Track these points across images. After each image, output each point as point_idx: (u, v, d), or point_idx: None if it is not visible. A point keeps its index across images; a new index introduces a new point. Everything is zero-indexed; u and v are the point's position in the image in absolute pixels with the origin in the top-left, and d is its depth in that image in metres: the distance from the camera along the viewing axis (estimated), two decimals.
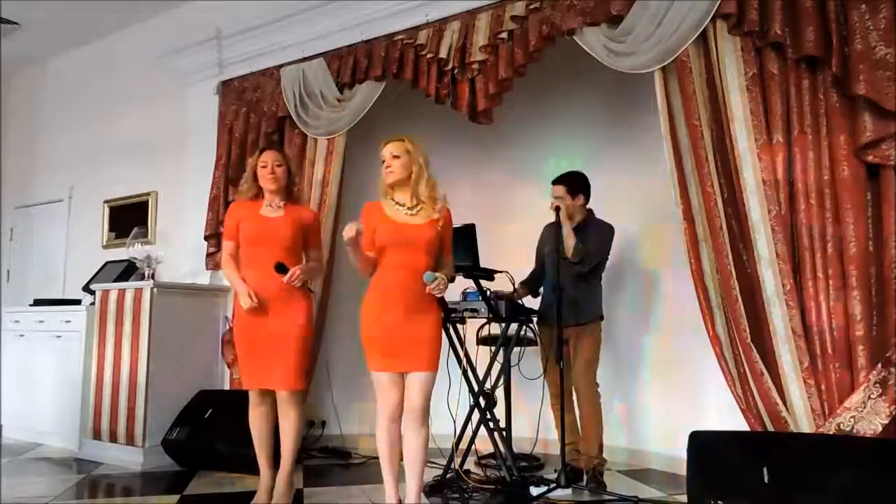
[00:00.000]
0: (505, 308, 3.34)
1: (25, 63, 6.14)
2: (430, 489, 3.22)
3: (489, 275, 3.38)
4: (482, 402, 3.36)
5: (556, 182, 3.54)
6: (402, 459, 2.62)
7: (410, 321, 2.57)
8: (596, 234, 3.47)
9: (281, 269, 2.85)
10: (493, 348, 3.47)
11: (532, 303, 3.70)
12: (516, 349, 3.52)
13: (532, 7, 3.32)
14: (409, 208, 2.65)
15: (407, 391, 2.59)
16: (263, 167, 3.06)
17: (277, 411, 2.98)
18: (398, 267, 2.59)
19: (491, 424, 3.36)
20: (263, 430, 3.01)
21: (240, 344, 3.04)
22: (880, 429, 2.41)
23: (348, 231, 2.49)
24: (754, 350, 2.70)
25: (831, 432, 2.48)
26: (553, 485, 3.18)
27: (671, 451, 3.52)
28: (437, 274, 2.52)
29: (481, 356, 3.52)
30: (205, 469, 3.71)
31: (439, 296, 2.58)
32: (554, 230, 3.42)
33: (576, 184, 3.51)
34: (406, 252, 2.58)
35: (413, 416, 2.57)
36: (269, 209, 3.06)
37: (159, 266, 4.32)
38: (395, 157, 2.65)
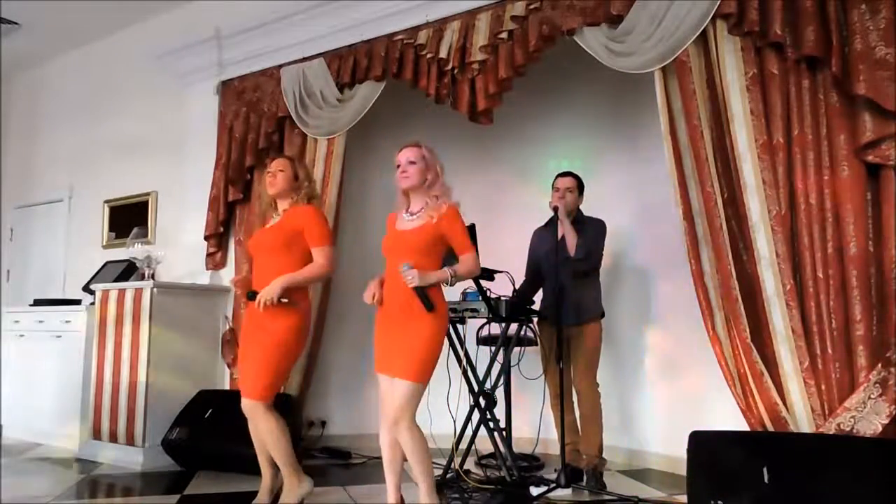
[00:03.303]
0: (505, 308, 3.34)
1: (25, 63, 6.14)
2: None
3: (489, 275, 3.37)
4: (482, 402, 3.36)
5: (565, 174, 3.54)
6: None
7: (400, 327, 2.54)
8: (593, 230, 3.48)
9: (251, 296, 2.84)
10: (493, 348, 3.47)
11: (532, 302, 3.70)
12: (516, 349, 3.52)
13: (532, 7, 3.31)
14: (412, 214, 2.63)
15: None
16: (268, 173, 3.08)
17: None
18: (390, 274, 2.61)
19: (491, 424, 3.36)
20: (256, 435, 2.96)
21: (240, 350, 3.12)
22: (880, 429, 2.41)
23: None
24: (754, 350, 2.70)
25: (831, 432, 2.48)
26: (553, 485, 3.18)
27: (671, 452, 3.52)
28: (410, 265, 2.44)
29: (481, 356, 3.52)
30: (205, 469, 3.71)
31: (411, 286, 2.44)
32: (549, 231, 3.42)
33: (581, 182, 3.55)
34: (395, 259, 2.56)
35: (392, 421, 2.48)
36: (272, 219, 3.06)
37: (159, 266, 4.33)
38: (412, 162, 2.59)
